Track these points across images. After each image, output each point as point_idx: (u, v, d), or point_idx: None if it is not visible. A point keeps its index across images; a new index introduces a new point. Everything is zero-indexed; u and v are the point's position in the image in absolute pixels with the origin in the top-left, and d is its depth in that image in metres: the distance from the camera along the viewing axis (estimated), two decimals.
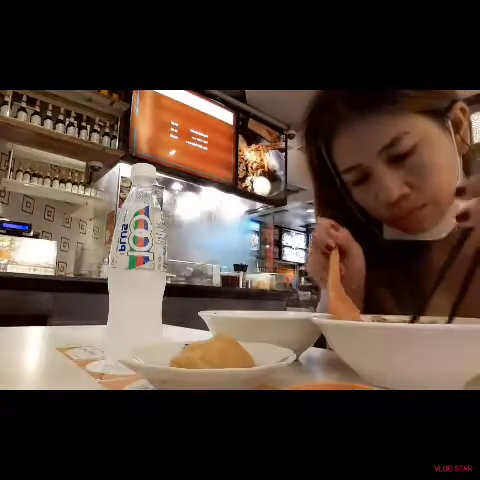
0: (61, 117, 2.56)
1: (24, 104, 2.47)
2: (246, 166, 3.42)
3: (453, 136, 0.47)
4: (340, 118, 0.48)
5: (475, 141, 0.52)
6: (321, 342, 0.44)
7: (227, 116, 3.34)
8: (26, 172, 2.63)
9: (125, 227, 0.41)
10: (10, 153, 2.61)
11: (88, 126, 2.67)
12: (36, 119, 2.43)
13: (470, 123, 0.50)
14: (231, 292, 2.89)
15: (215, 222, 3.78)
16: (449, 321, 0.33)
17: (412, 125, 0.45)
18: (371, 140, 0.46)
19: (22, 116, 2.38)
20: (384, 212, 0.50)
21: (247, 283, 3.22)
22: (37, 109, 2.49)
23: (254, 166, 3.49)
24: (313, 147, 0.55)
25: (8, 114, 2.32)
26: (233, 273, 3.19)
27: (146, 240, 0.41)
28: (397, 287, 0.55)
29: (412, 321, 0.37)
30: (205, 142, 3.13)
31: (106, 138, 2.69)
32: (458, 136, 0.48)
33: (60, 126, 2.51)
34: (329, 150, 0.53)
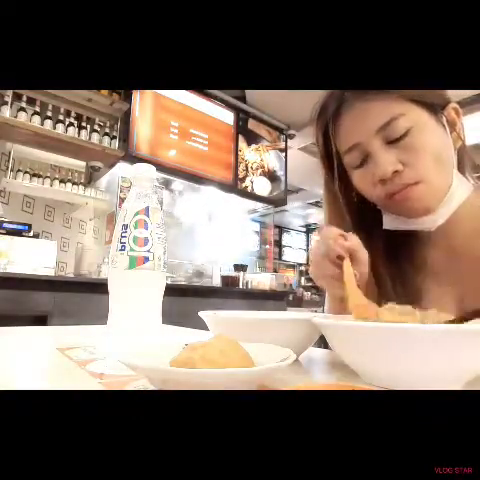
0: (61, 117, 2.56)
1: (24, 104, 2.47)
2: (246, 166, 3.42)
3: (448, 131, 0.51)
4: (344, 102, 0.53)
5: (471, 142, 0.54)
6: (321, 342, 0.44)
7: (227, 116, 3.34)
8: (26, 172, 2.63)
9: (125, 227, 0.41)
10: (10, 153, 2.61)
11: (88, 126, 2.67)
12: (36, 119, 2.43)
13: (462, 124, 0.53)
14: (231, 292, 2.89)
15: (215, 222, 3.78)
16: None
17: (408, 109, 0.48)
18: (370, 119, 0.50)
19: (22, 116, 2.38)
20: (380, 191, 0.52)
21: (247, 283, 3.22)
22: (37, 109, 2.49)
23: (254, 166, 3.49)
24: (320, 131, 0.58)
25: (8, 114, 2.32)
26: (233, 273, 3.18)
27: (146, 240, 0.41)
28: (394, 278, 0.57)
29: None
30: (205, 142, 3.13)
31: (106, 138, 2.69)
32: (454, 133, 0.52)
33: (60, 126, 2.51)
34: (333, 132, 0.56)
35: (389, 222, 0.56)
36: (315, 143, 0.61)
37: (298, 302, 5.14)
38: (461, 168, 0.54)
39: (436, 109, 0.50)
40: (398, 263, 0.58)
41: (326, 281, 0.50)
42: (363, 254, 0.48)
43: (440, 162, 0.49)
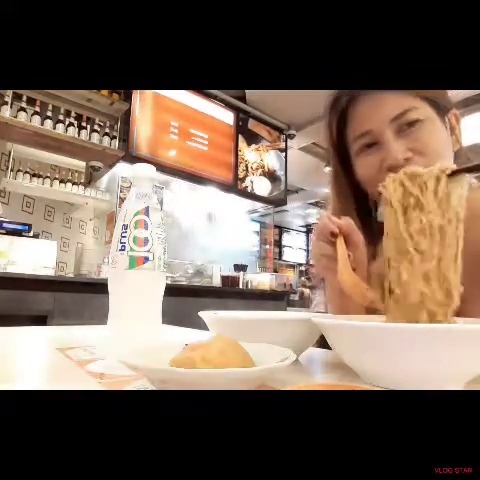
0: (61, 117, 2.56)
1: (24, 104, 2.47)
2: (246, 166, 3.42)
3: (449, 134, 0.55)
4: (359, 90, 0.55)
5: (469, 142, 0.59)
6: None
7: (227, 116, 3.34)
8: (26, 172, 2.63)
9: (125, 227, 0.41)
10: (10, 153, 2.61)
11: (88, 126, 2.67)
12: (36, 119, 2.43)
13: (460, 128, 0.58)
14: (231, 292, 2.89)
15: (215, 222, 3.78)
16: None
17: (421, 105, 0.52)
18: (384, 109, 0.53)
19: (22, 116, 2.38)
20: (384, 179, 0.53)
21: (247, 283, 3.22)
22: (37, 109, 2.49)
23: (254, 166, 3.49)
24: (335, 118, 0.60)
25: (8, 114, 2.32)
26: (233, 273, 3.19)
27: (146, 240, 0.41)
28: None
29: None
30: (205, 142, 3.13)
31: (106, 138, 2.69)
32: (454, 136, 0.56)
33: (60, 126, 2.51)
34: (346, 119, 0.58)
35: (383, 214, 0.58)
36: (327, 133, 0.62)
37: (302, 302, 5.09)
38: None
39: (443, 111, 0.54)
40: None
41: (323, 262, 0.50)
42: (357, 237, 0.49)
43: (443, 157, 0.52)
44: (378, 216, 0.58)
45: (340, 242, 0.47)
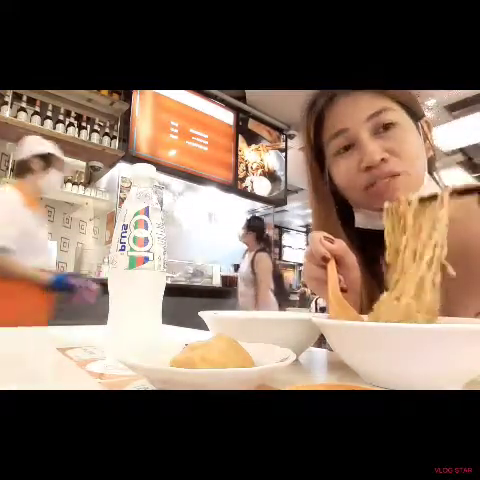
0: (61, 117, 2.56)
1: (24, 104, 2.47)
2: (246, 166, 3.42)
3: (422, 140, 0.55)
4: (338, 91, 0.55)
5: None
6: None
7: (227, 116, 3.34)
8: None
9: (125, 227, 0.41)
10: (10, 153, 2.61)
11: (88, 126, 2.67)
12: (36, 119, 2.43)
13: (432, 135, 0.58)
14: (231, 292, 2.89)
15: (215, 222, 3.78)
16: None
17: (396, 107, 0.52)
18: (361, 107, 0.53)
19: (22, 116, 2.38)
20: (362, 180, 0.53)
21: None
22: (37, 109, 2.49)
23: (254, 166, 3.49)
24: (312, 121, 0.59)
25: (8, 114, 2.32)
26: (233, 273, 3.18)
27: (146, 240, 0.41)
28: (374, 276, 0.57)
29: None
30: (205, 142, 3.13)
31: (106, 138, 2.69)
32: (427, 142, 0.57)
33: (60, 126, 2.51)
34: (323, 120, 0.58)
35: (361, 220, 0.58)
36: (304, 135, 0.62)
37: (302, 302, 5.08)
38: (431, 175, 0.58)
39: (416, 118, 0.55)
40: (374, 263, 0.58)
41: (314, 284, 0.50)
42: (350, 258, 0.48)
43: (418, 160, 0.53)
44: (356, 222, 0.58)
45: (331, 267, 0.45)
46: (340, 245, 0.47)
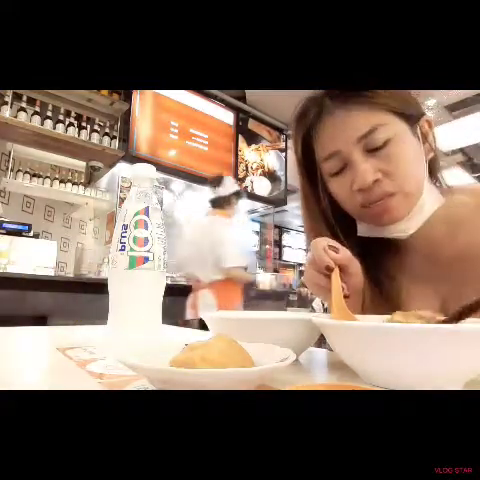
0: (61, 117, 2.57)
1: (24, 104, 2.47)
2: (246, 166, 3.42)
3: (421, 143, 0.53)
4: (325, 109, 0.53)
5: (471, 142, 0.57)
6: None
7: (227, 116, 3.34)
8: (26, 172, 2.63)
9: (125, 227, 0.41)
10: (10, 153, 2.61)
11: (88, 126, 2.67)
12: (36, 119, 2.43)
13: (434, 134, 0.55)
14: None
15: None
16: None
17: (387, 120, 0.49)
18: (351, 128, 0.50)
19: (22, 116, 2.38)
20: (357, 201, 0.52)
21: None
22: (37, 109, 2.49)
23: (254, 166, 3.49)
24: (299, 136, 0.58)
25: (8, 114, 2.32)
26: None
27: (146, 240, 0.41)
28: (374, 284, 0.57)
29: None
30: (205, 142, 3.13)
31: (106, 138, 2.69)
32: (427, 144, 0.54)
33: (60, 126, 2.52)
34: (313, 139, 0.56)
35: (363, 230, 0.57)
36: (294, 148, 0.60)
37: (302, 302, 5.07)
38: (433, 177, 0.57)
39: (413, 121, 0.52)
40: (376, 270, 0.58)
41: (315, 289, 0.50)
42: (354, 268, 0.48)
43: (415, 173, 0.51)
44: (358, 231, 0.57)
45: (335, 276, 0.44)
46: (345, 254, 0.46)
